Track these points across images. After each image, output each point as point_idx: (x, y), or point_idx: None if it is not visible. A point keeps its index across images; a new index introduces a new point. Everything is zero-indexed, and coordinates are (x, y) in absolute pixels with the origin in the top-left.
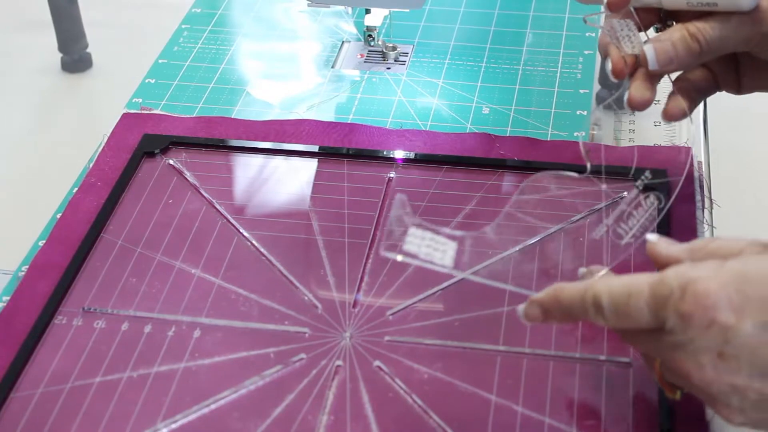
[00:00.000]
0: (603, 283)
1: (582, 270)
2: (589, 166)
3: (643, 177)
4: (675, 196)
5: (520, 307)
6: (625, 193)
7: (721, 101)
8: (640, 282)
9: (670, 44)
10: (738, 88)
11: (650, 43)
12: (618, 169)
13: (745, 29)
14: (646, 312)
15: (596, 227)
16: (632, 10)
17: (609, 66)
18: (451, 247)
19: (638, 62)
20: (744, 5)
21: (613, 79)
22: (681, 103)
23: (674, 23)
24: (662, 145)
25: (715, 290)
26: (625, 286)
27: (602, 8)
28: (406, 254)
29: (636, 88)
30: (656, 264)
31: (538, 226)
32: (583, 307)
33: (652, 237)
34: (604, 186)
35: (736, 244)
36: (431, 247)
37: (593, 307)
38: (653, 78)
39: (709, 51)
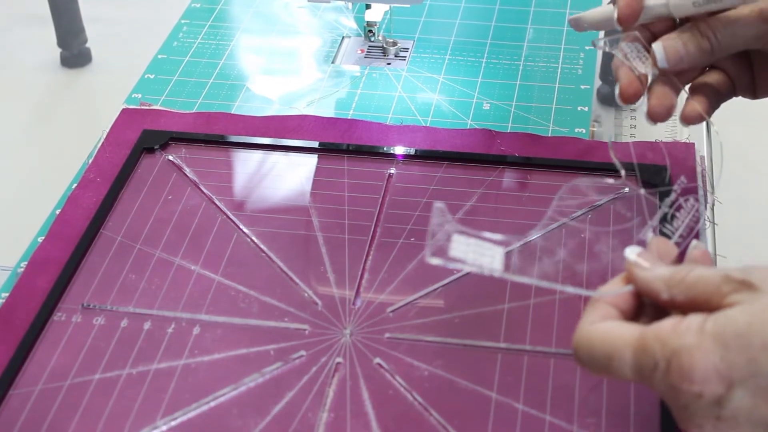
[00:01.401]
0: (582, 336)
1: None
2: (623, 172)
3: (679, 182)
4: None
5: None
6: (627, 189)
7: None
8: (621, 345)
9: (680, 42)
10: (754, 92)
11: (660, 42)
12: (652, 170)
13: (757, 25)
14: (631, 376)
15: (642, 228)
16: (637, 34)
17: (618, 89)
18: (498, 252)
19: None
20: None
21: (621, 104)
22: (697, 106)
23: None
24: (663, 141)
25: (700, 364)
26: (607, 348)
27: (614, 28)
28: (454, 260)
29: (656, 97)
30: (634, 285)
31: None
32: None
33: (630, 253)
34: (642, 191)
35: (713, 279)
36: (478, 253)
37: (575, 354)
38: (671, 89)
39: (720, 49)
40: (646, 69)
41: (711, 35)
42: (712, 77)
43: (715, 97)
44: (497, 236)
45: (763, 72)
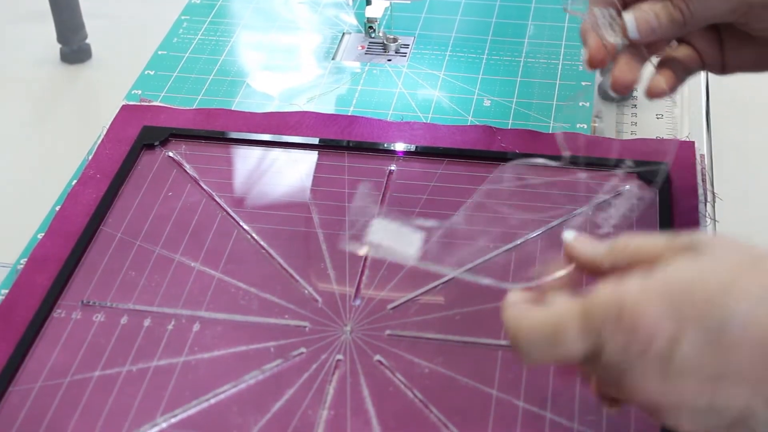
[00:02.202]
0: (525, 320)
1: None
2: (566, 153)
3: (623, 165)
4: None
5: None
6: (627, 187)
7: (723, 94)
8: (566, 316)
9: (652, 13)
10: (722, 68)
11: (632, 12)
12: (598, 160)
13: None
14: (579, 346)
15: (576, 216)
16: None
17: (585, 55)
18: (416, 239)
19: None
20: None
21: (588, 69)
22: (662, 82)
23: None
24: (664, 138)
25: (647, 313)
26: (550, 324)
27: None
28: (370, 245)
29: (620, 70)
30: (576, 264)
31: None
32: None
33: (568, 236)
34: (583, 175)
35: (655, 245)
36: (395, 239)
37: (516, 344)
38: (637, 61)
39: (693, 21)
40: (614, 39)
41: (684, 7)
42: (681, 51)
43: (682, 72)
44: (423, 222)
45: (732, 48)
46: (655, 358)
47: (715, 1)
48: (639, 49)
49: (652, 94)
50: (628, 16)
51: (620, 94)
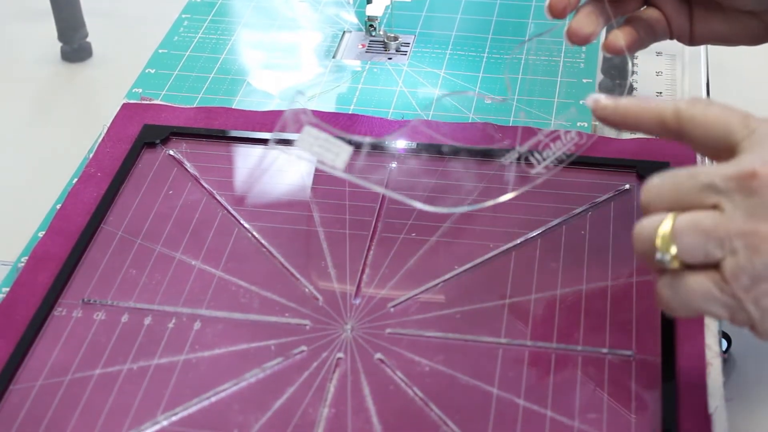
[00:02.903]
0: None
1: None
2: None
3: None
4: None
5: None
6: (627, 186)
7: (724, 92)
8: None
9: None
10: (690, 38)
11: None
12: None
13: None
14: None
15: (508, 153)
16: None
17: (547, 1)
18: (345, 151)
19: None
20: None
21: (548, 16)
22: (620, 39)
23: None
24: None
25: None
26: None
27: None
28: (298, 152)
29: (578, 21)
30: (638, 124)
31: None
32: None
33: (597, 96)
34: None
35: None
36: (323, 148)
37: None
38: (598, 15)
39: None
40: None
41: None
42: (648, 13)
43: (646, 34)
44: (354, 137)
45: (701, 18)
46: None
47: None
48: (604, 4)
49: (608, 48)
50: None
51: (576, 44)
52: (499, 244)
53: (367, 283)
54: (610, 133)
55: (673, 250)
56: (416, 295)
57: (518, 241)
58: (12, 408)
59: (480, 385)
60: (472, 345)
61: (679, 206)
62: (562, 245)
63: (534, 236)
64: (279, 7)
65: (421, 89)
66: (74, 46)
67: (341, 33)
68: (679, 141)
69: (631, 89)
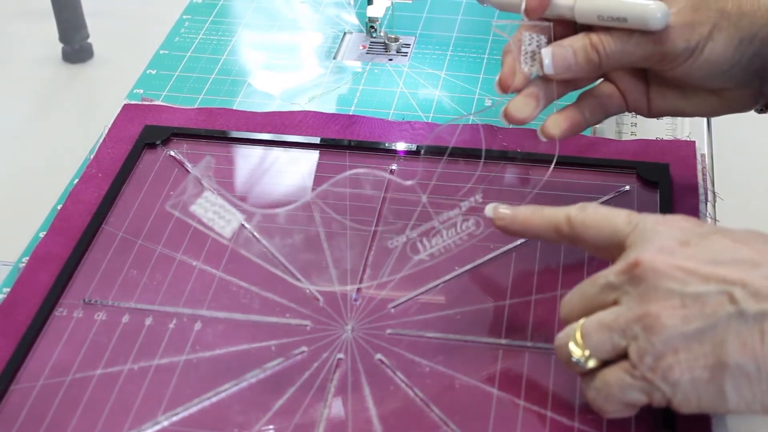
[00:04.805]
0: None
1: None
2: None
3: (472, 199)
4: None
5: (491, 207)
6: (627, 187)
7: None
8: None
9: (570, 51)
10: (648, 110)
11: (549, 48)
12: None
13: (646, 47)
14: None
15: (396, 235)
16: (550, 26)
17: (498, 76)
18: (235, 219)
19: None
20: (652, 25)
21: (497, 91)
22: (555, 128)
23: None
24: (664, 138)
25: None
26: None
27: (522, 16)
28: (191, 215)
29: (515, 105)
30: (528, 233)
31: None
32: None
33: (495, 205)
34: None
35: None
36: (217, 215)
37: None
38: (542, 97)
39: (608, 64)
40: (529, 68)
41: (601, 48)
42: (602, 88)
43: (593, 113)
44: (248, 207)
45: (657, 91)
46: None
47: (630, 46)
48: (550, 84)
49: (544, 134)
50: (546, 51)
51: (509, 123)
52: (499, 245)
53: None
54: (610, 134)
55: (586, 352)
56: (416, 295)
57: (518, 242)
58: (13, 408)
59: (480, 385)
60: (473, 346)
61: (588, 311)
62: (562, 246)
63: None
64: (280, 8)
65: (422, 90)
66: (75, 46)
67: (342, 34)
68: (574, 245)
69: None
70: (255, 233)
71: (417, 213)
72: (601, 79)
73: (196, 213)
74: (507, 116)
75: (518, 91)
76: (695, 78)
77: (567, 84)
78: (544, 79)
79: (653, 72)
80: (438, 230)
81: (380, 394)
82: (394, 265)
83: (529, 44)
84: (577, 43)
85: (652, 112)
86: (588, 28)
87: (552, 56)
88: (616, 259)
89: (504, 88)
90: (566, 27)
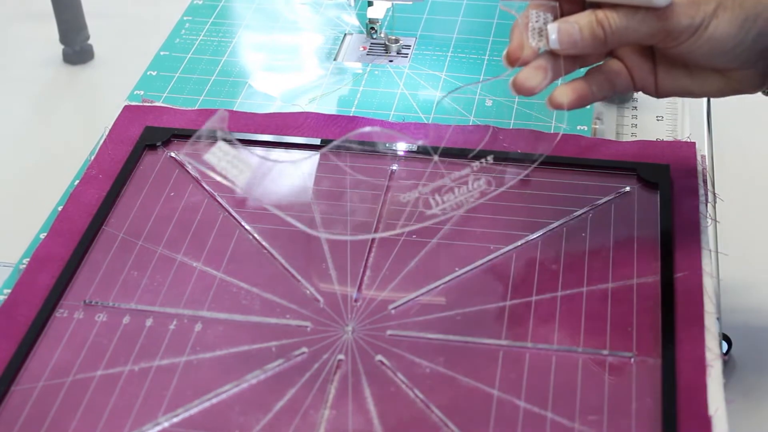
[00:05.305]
0: None
1: None
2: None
3: (483, 160)
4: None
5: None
6: (627, 188)
7: (725, 99)
8: None
9: (576, 27)
10: (655, 88)
11: (557, 23)
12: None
13: (651, 23)
14: None
15: (408, 191)
16: (557, 5)
17: (505, 50)
18: (249, 170)
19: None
20: (657, 2)
21: (505, 65)
22: (564, 97)
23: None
24: (665, 139)
25: None
26: None
27: None
28: (204, 164)
29: (525, 74)
30: None
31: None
32: None
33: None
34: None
35: None
36: (230, 164)
37: None
38: (550, 70)
39: (614, 40)
40: (536, 44)
41: (606, 24)
42: (610, 65)
43: (600, 88)
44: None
45: (664, 70)
46: None
47: (635, 23)
48: (557, 59)
49: (551, 104)
50: (552, 26)
51: (519, 95)
52: (499, 246)
53: (368, 285)
54: (610, 135)
55: None
56: (417, 296)
57: (519, 243)
58: (14, 409)
59: (481, 386)
60: (473, 347)
61: None
62: (562, 247)
63: (534, 238)
64: (280, 10)
65: (422, 92)
66: (76, 48)
67: (342, 35)
68: None
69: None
70: (255, 234)
71: (427, 173)
72: (609, 57)
73: (210, 162)
74: (515, 86)
75: (526, 64)
76: (700, 56)
77: (574, 60)
78: (552, 54)
79: (660, 51)
80: (450, 187)
81: (381, 395)
82: (394, 265)
83: (537, 21)
84: (583, 19)
85: (659, 92)
86: (596, 6)
87: (558, 31)
88: None
89: (512, 61)
90: (575, 5)
